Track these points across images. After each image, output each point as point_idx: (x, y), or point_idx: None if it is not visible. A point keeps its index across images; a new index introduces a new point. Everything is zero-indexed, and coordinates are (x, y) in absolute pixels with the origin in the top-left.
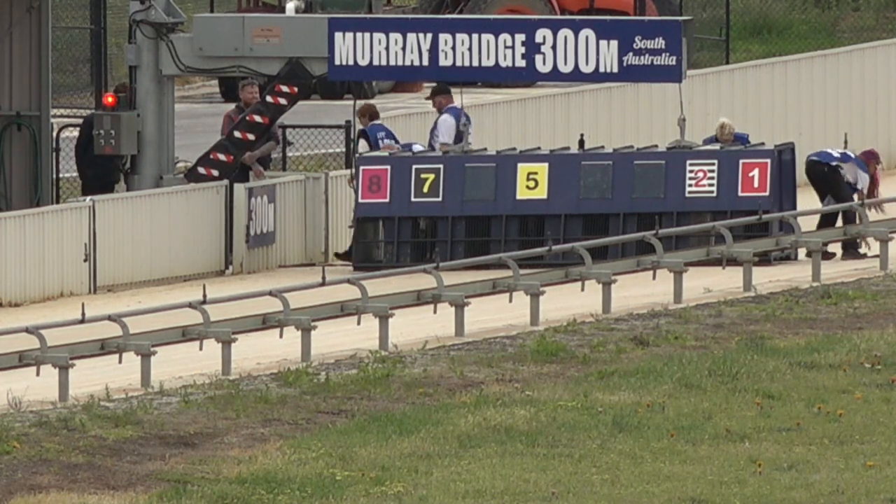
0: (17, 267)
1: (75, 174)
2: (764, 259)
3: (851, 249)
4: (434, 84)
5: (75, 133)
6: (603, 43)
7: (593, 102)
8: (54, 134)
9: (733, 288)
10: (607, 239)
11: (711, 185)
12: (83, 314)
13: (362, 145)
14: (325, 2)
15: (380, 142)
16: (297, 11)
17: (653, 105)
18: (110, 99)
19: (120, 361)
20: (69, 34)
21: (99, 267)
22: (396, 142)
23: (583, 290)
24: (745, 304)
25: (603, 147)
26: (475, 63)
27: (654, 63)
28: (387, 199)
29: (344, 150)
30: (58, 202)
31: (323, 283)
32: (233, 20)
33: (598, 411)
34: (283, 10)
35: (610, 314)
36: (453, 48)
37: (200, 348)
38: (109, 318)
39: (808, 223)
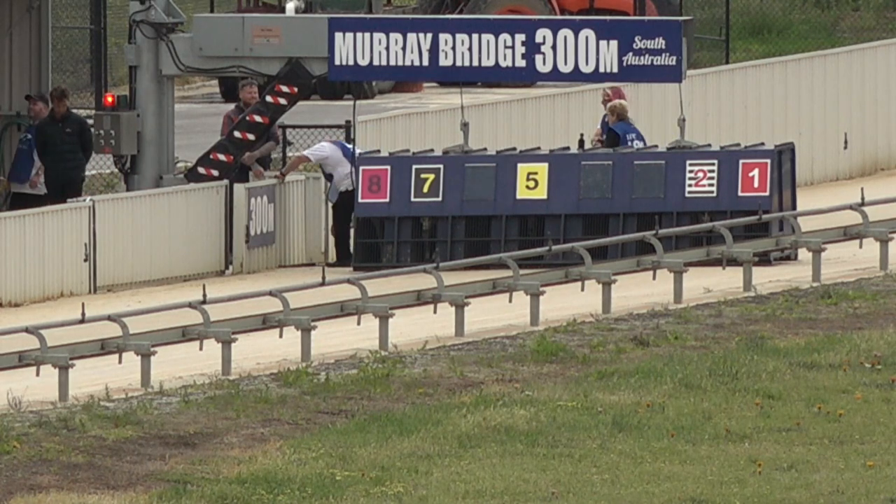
0: (17, 267)
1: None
2: (764, 259)
3: None
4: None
5: None
6: (603, 43)
7: (593, 102)
8: None
9: (733, 288)
10: (607, 239)
11: (711, 185)
12: (83, 314)
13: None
14: (325, 2)
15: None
16: (297, 11)
17: (653, 105)
18: (110, 99)
19: (120, 361)
20: (69, 34)
21: (99, 267)
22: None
23: (583, 290)
24: (745, 304)
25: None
26: (475, 63)
27: (654, 63)
28: (387, 199)
29: None
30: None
31: (323, 283)
32: (233, 20)
33: (598, 411)
34: (283, 10)
35: (610, 314)
36: (453, 48)
37: (200, 348)
38: (109, 318)
39: (809, 223)
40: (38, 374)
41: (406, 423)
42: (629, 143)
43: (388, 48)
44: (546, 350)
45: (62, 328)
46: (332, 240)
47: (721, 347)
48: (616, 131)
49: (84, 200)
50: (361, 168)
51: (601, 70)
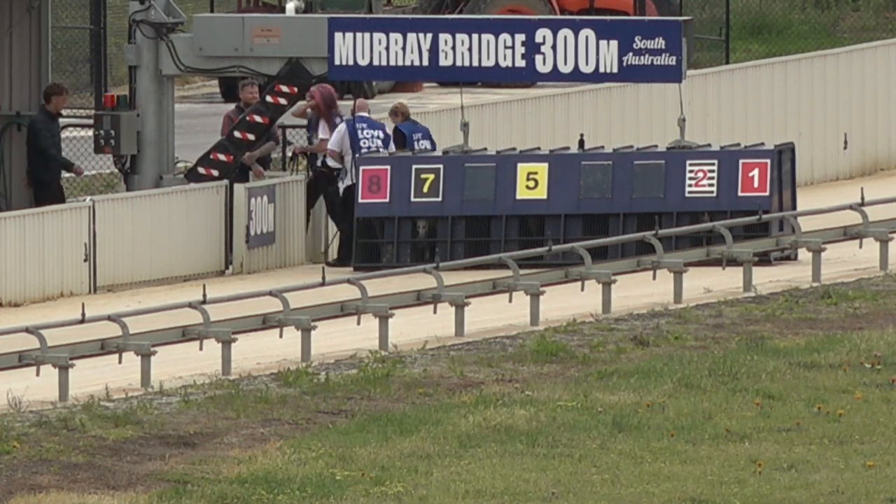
0: (17, 267)
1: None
2: (764, 259)
3: None
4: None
5: (76, 133)
6: (603, 43)
7: (593, 102)
8: None
9: (733, 288)
10: (607, 239)
11: (711, 185)
12: (83, 314)
13: None
14: (325, 2)
15: None
16: (297, 11)
17: (653, 105)
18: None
19: (120, 361)
20: (69, 34)
21: (99, 267)
22: None
23: (583, 290)
24: (745, 304)
25: (603, 147)
26: (475, 63)
27: (654, 63)
28: (387, 199)
29: None
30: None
31: (323, 283)
32: (233, 20)
33: (598, 411)
34: (283, 10)
35: (610, 314)
36: (453, 48)
37: (200, 348)
38: (109, 318)
39: (808, 223)
40: (38, 374)
41: (406, 423)
42: (416, 143)
43: (388, 48)
44: (546, 350)
45: (62, 328)
46: (323, 236)
47: (721, 347)
48: (403, 131)
49: (84, 200)
50: (361, 168)
51: (601, 70)
